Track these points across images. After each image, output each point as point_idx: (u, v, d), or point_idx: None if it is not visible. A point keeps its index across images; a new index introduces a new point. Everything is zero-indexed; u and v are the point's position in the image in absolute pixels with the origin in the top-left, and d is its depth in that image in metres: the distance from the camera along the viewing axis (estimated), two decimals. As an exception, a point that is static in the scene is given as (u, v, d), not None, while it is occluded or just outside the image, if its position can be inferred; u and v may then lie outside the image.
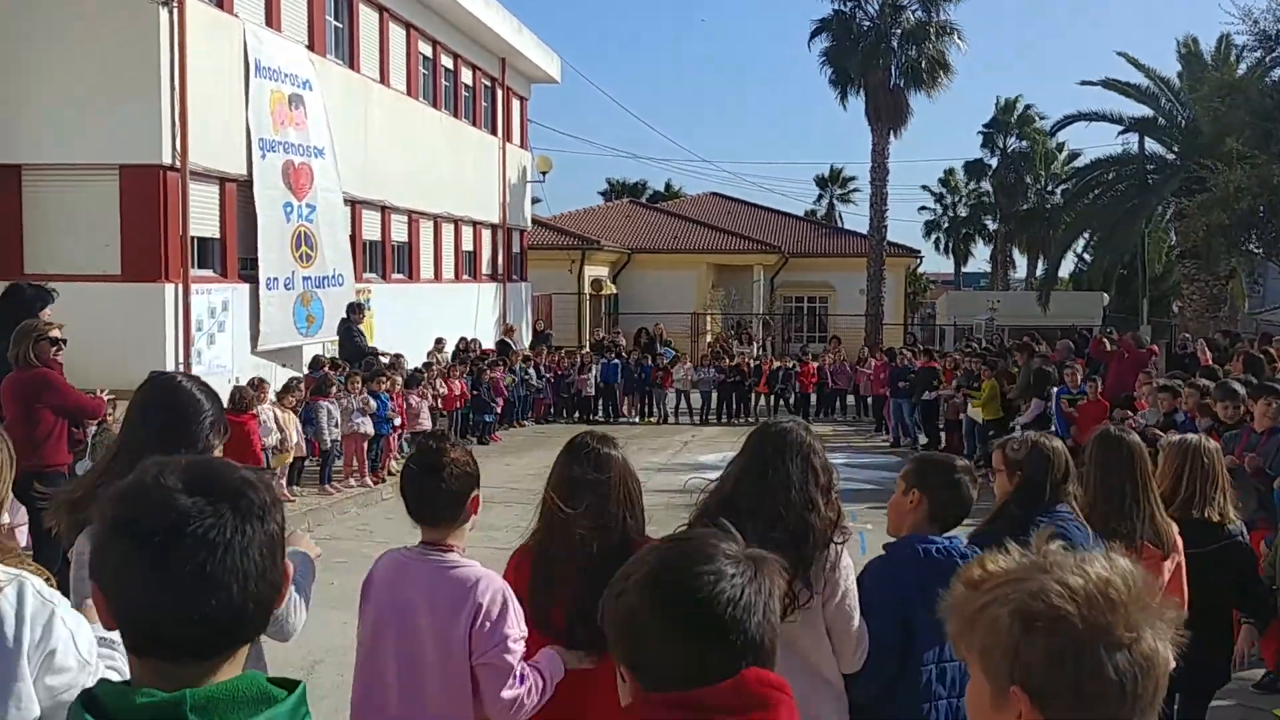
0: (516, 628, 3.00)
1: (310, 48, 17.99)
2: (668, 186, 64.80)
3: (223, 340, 15.36)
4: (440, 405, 16.64)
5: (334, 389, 12.11)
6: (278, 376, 14.44)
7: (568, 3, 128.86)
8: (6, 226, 14.10)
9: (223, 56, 15.36)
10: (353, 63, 19.92)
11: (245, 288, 15.92)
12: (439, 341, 20.30)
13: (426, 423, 14.36)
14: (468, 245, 26.41)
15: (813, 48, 36.29)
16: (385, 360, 14.61)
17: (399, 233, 22.23)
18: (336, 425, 11.93)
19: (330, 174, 17.67)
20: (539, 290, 33.17)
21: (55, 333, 6.86)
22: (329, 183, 17.60)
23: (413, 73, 22.65)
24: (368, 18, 20.52)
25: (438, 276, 24.20)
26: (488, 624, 2.96)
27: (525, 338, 27.60)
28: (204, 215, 15.27)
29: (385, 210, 21.29)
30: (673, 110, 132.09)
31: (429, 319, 21.85)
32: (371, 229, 20.92)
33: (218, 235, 15.62)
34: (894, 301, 39.63)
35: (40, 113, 13.84)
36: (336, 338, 16.04)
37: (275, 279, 16.18)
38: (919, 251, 47.10)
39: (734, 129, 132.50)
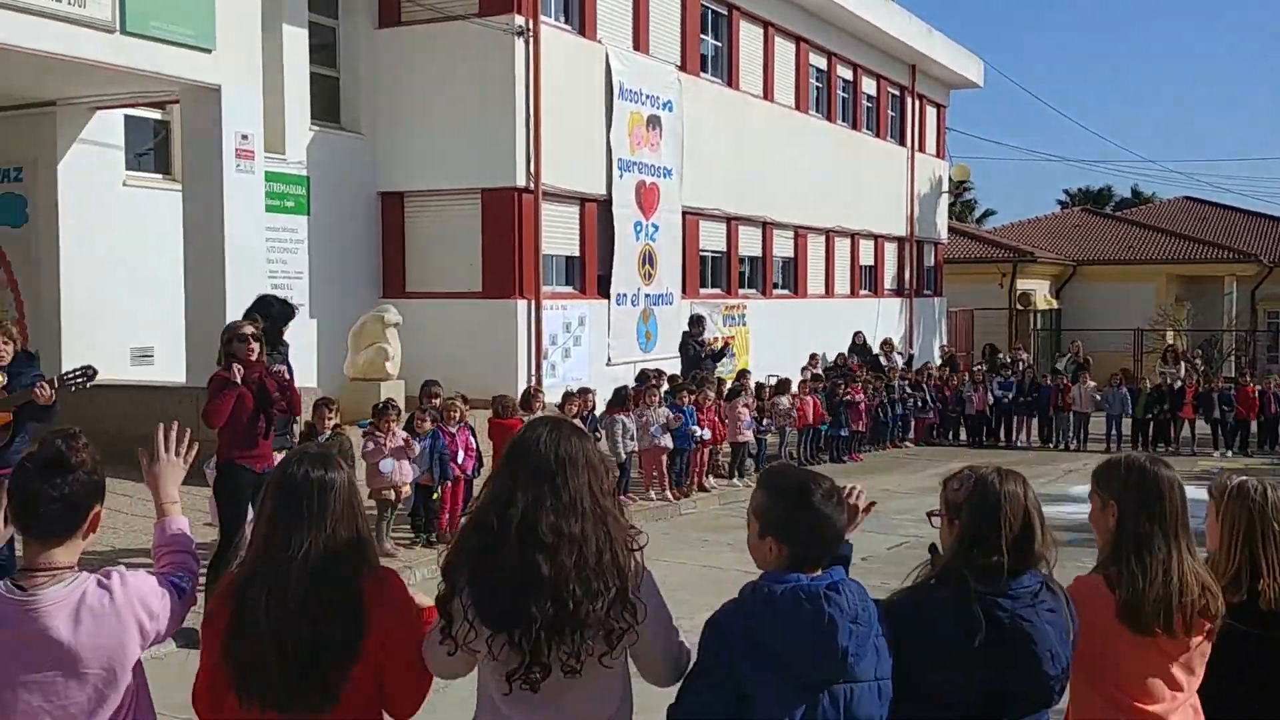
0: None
1: (681, 68, 18.33)
2: (1135, 192, 59.40)
3: (579, 354, 16.00)
4: (792, 422, 16.22)
5: (630, 403, 12.11)
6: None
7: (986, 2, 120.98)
8: (392, 249, 15.61)
9: (584, 81, 16.03)
10: (731, 80, 20.05)
11: (603, 304, 16.49)
12: (813, 357, 19.85)
13: (748, 435, 14.02)
14: (867, 259, 25.70)
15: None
16: (705, 373, 14.45)
17: (783, 248, 22.05)
18: (633, 439, 11.94)
19: (674, 194, 17.90)
20: (961, 305, 31.59)
21: (247, 329, 7.35)
22: (672, 203, 17.83)
23: (802, 86, 22.42)
24: (749, 34, 20.58)
25: (829, 292, 23.74)
26: (156, 625, 2.70)
27: (932, 353, 26.38)
28: (564, 234, 16.00)
29: (767, 226, 21.21)
30: (1143, 111, 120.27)
31: (817, 334, 21.48)
32: (750, 245, 20.92)
33: (578, 253, 16.31)
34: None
35: (417, 143, 15.18)
36: (676, 350, 16.16)
37: (624, 295, 16.63)
38: None
39: (1234, 129, 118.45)
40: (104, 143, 12.29)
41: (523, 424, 8.88)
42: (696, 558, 9.82)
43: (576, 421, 2.84)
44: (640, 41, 17.41)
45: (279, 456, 8.47)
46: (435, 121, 15.04)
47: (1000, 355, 23.62)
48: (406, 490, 9.26)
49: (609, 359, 16.46)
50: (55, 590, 2.61)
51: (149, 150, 13.03)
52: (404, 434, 9.26)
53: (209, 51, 10.75)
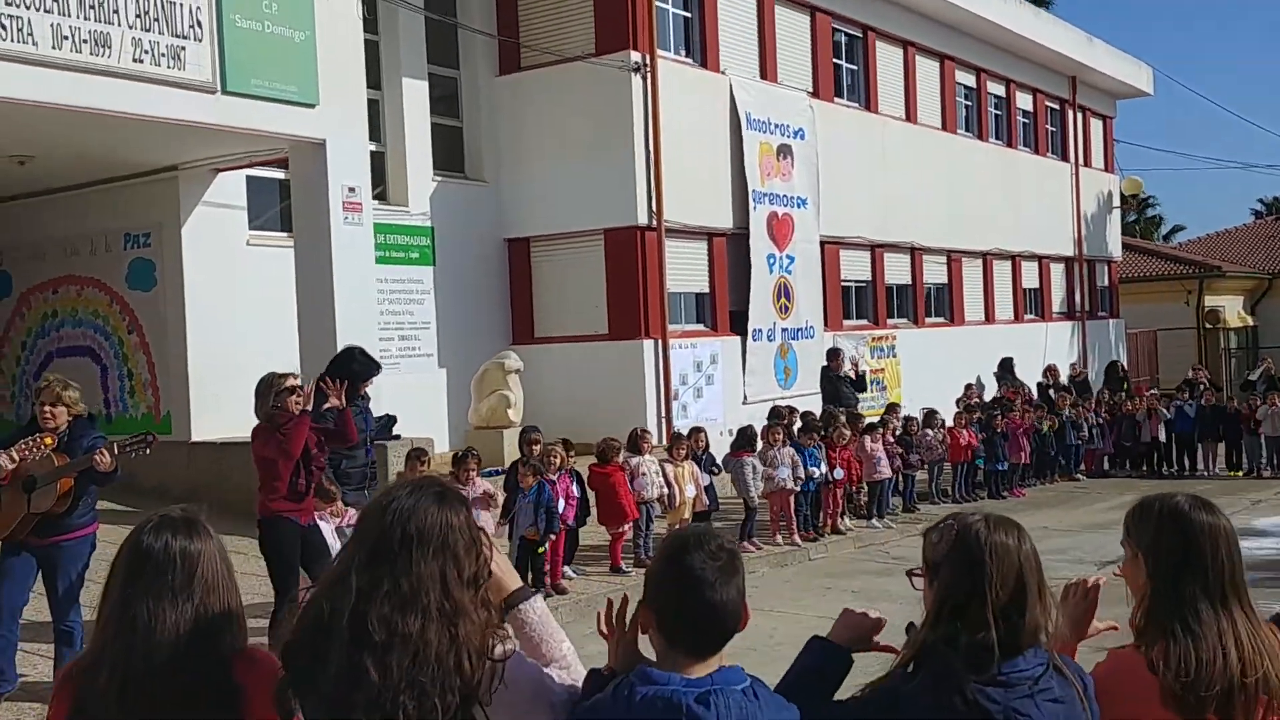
0: None
1: (814, 94, 17.75)
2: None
3: (711, 393, 15.49)
4: (943, 456, 15.26)
5: (758, 443, 11.49)
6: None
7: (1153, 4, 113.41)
8: (519, 295, 15.49)
9: (707, 113, 15.64)
10: (869, 103, 19.33)
11: (735, 340, 15.95)
12: (968, 387, 18.76)
13: (885, 472, 13.15)
14: (1031, 282, 24.34)
15: None
16: (840, 409, 13.67)
17: (934, 274, 21.06)
18: (761, 480, 11.30)
19: (810, 224, 17.21)
20: (1143, 326, 29.66)
21: (291, 382, 7.18)
22: (808, 233, 17.14)
23: (949, 105, 21.48)
24: (887, 55, 19.83)
25: (989, 318, 22.54)
26: None
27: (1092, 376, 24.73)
28: (692, 270, 15.58)
29: (915, 252, 20.29)
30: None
31: (976, 363, 20.38)
32: (898, 272, 20.03)
33: (707, 289, 15.85)
34: None
35: (540, 187, 15.05)
36: (818, 386, 15.44)
37: (760, 330, 16.05)
38: None
39: None
40: (226, 204, 12.54)
41: (621, 469, 8.41)
42: (815, 607, 9.13)
43: (453, 484, 2.29)
44: (767, 70, 16.92)
45: (354, 513, 8.31)
46: (556, 164, 14.90)
47: (1123, 372, 22.05)
48: (495, 542, 8.92)
49: (745, 397, 15.89)
50: None
51: (275, 210, 13.24)
52: (486, 484, 8.95)
53: (312, 106, 10.81)
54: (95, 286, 12.84)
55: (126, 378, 12.70)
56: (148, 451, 6.19)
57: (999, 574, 2.29)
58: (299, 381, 7.28)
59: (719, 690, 2.15)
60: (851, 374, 15.62)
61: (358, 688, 2.07)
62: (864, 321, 19.23)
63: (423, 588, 2.14)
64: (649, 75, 14.54)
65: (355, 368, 8.41)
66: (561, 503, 9.22)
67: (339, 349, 10.53)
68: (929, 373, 19.34)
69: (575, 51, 14.74)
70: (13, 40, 8.61)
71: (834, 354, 15.65)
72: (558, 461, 9.36)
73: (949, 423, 15.63)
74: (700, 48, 15.86)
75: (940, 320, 21.25)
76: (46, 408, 6.19)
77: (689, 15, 15.83)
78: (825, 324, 17.73)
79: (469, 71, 15.45)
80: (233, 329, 12.14)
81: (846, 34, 18.95)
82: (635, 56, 14.47)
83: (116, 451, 5.99)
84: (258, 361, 11.91)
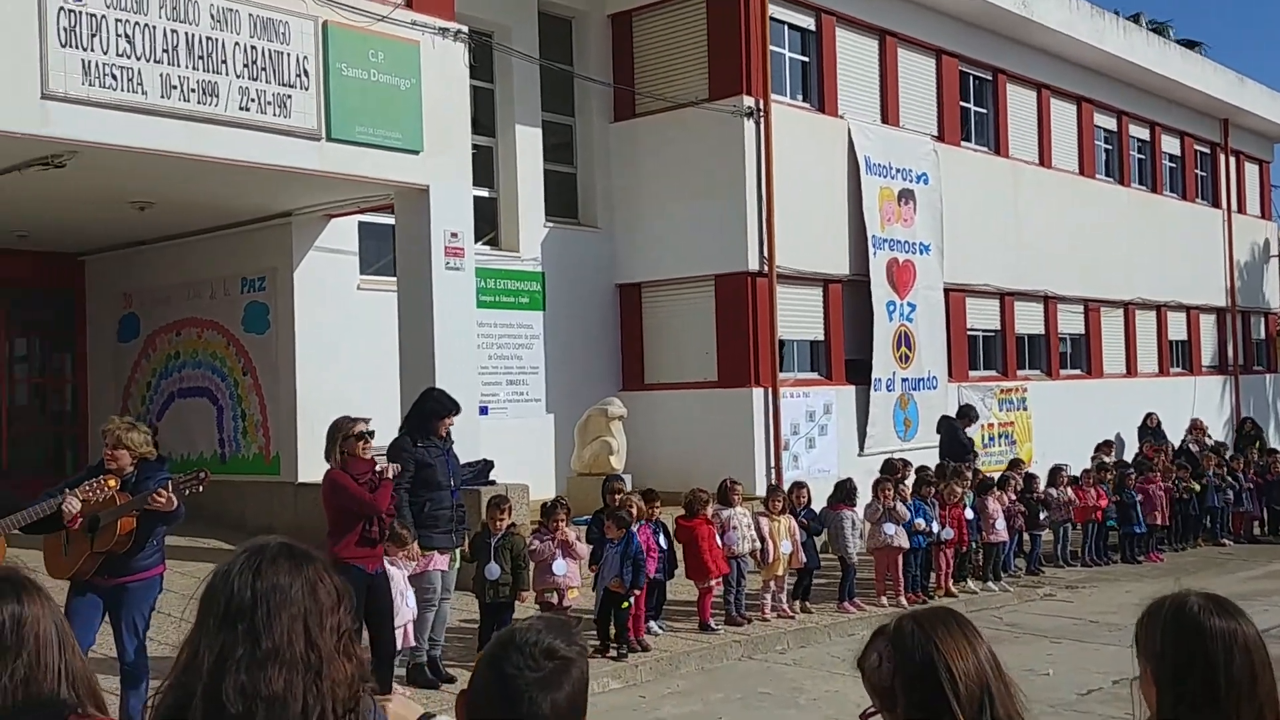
0: None
1: (939, 138, 17.24)
2: None
3: (824, 443, 15.03)
4: (1071, 515, 14.43)
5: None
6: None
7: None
8: (630, 341, 15.36)
9: (823, 158, 15.33)
10: (999, 147, 18.70)
11: (850, 389, 15.47)
12: (1106, 444, 17.81)
13: (1001, 533, 12.43)
14: (1178, 334, 23.10)
15: None
16: (959, 465, 13.03)
17: (1070, 324, 20.14)
18: (861, 536, 10.81)
19: (934, 271, 16.62)
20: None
21: (360, 428, 7.13)
22: (931, 280, 16.55)
23: (1086, 149, 20.64)
24: (1019, 98, 19.17)
25: (1130, 370, 21.43)
26: None
27: (1266, 435, 23.21)
28: (806, 318, 15.21)
29: (1048, 300, 19.46)
30: None
31: (1115, 418, 19.39)
32: (1029, 322, 19.22)
33: (822, 337, 15.44)
34: None
35: (652, 233, 14.94)
36: (937, 439, 14.80)
37: (880, 380, 15.53)
38: None
39: None
40: (338, 249, 12.77)
41: (709, 522, 8.12)
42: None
43: (295, 543, 2.09)
44: (889, 113, 16.52)
45: (440, 558, 8.21)
46: (668, 209, 14.78)
47: (1254, 429, 20.58)
48: (574, 594, 8.70)
49: (863, 448, 15.37)
50: None
51: (389, 255, 13.41)
52: (571, 533, 8.74)
53: (416, 153, 10.92)
54: (214, 329, 13.21)
55: (240, 418, 12.99)
56: (200, 489, 6.21)
57: (960, 689, 1.97)
58: (369, 428, 7.23)
59: None
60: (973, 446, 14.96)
61: None
62: (992, 372, 18.47)
63: (284, 640, 1.96)
64: (762, 120, 14.32)
65: (430, 406, 8.35)
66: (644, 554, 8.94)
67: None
68: (1063, 427, 18.45)
69: (689, 97, 14.63)
70: (123, 90, 8.91)
71: (966, 412, 15.00)
72: (635, 512, 9.10)
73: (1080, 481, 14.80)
74: (818, 92, 15.58)
75: (1076, 372, 20.29)
76: (108, 450, 6.26)
77: (806, 60, 15.59)
78: (949, 374, 17.08)
79: (583, 118, 15.49)
80: (340, 372, 12.30)
81: (975, 76, 18.39)
82: (749, 101, 14.27)
83: (171, 489, 6.01)
84: (363, 405, 12.06)
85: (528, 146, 14.62)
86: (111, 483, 6.07)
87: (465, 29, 11.51)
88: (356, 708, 2.01)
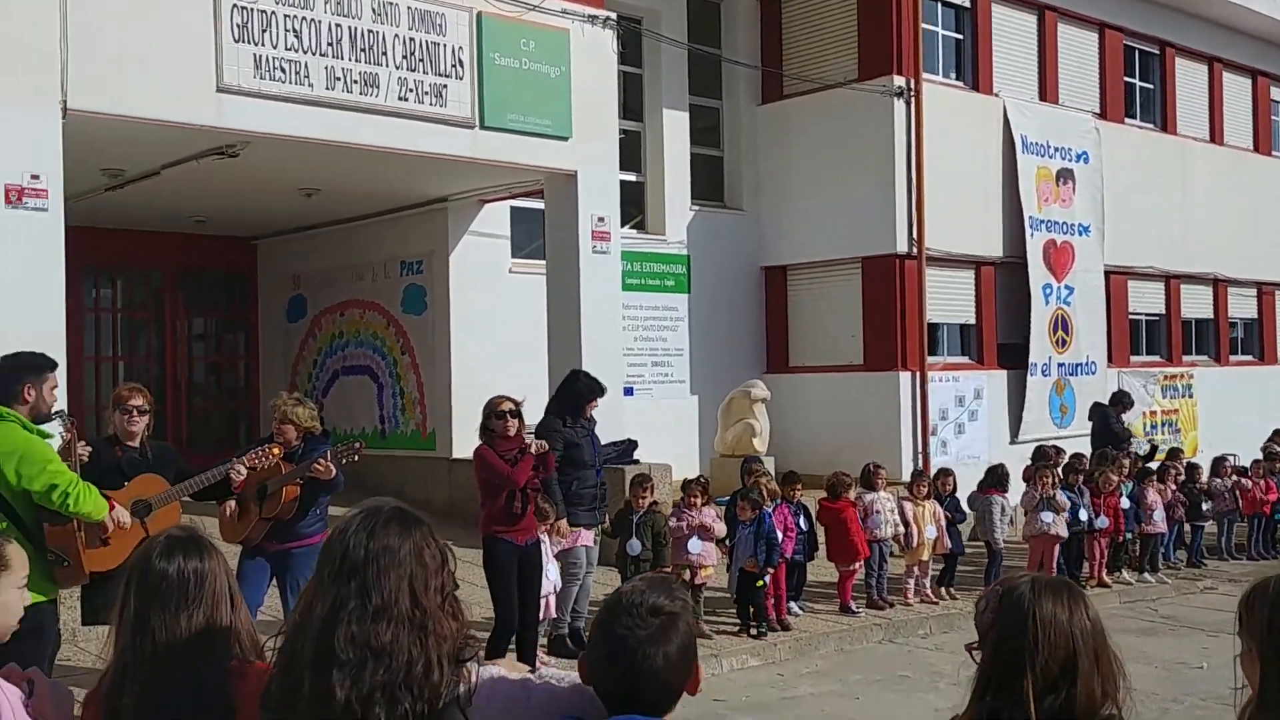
0: None
1: (1100, 115, 16.68)
2: None
3: (975, 429, 14.78)
4: (1239, 506, 13.84)
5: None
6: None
7: None
8: (775, 324, 15.38)
9: (977, 137, 15.02)
10: (1165, 123, 17.96)
11: (1002, 374, 15.15)
12: (1278, 434, 16.96)
13: (1159, 525, 12.00)
14: (1362, 319, 21.76)
15: None
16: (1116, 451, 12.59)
17: (1241, 308, 19.25)
18: (1010, 523, 10.61)
19: (1093, 252, 16.07)
20: None
21: (506, 406, 7.38)
22: (1091, 262, 16.00)
23: (1262, 125, 19.65)
24: (1188, 72, 18.36)
25: (1311, 356, 20.34)
26: None
27: None
28: (957, 301, 14.96)
29: (1218, 283, 18.64)
30: None
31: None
32: (1197, 305, 18.44)
33: (973, 320, 15.16)
34: None
35: (798, 215, 14.91)
36: (1090, 425, 14.35)
37: (1036, 364, 15.16)
38: None
39: None
40: (492, 233, 13.16)
41: (853, 505, 8.18)
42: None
43: (407, 507, 2.30)
44: (1047, 90, 16.05)
45: (586, 534, 8.44)
46: (815, 191, 14.73)
47: None
48: (709, 572, 8.82)
49: (1016, 435, 15.05)
50: None
51: (539, 240, 13.76)
52: (709, 513, 8.86)
53: (565, 139, 11.17)
54: (375, 310, 13.78)
55: (399, 396, 13.53)
56: (356, 458, 6.57)
57: (1047, 643, 2.04)
58: (513, 405, 7.50)
59: None
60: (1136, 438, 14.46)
61: (330, 706, 2.10)
62: (1155, 358, 17.80)
63: (392, 599, 2.15)
64: (913, 99, 14.12)
65: (579, 388, 8.59)
66: (780, 535, 8.99)
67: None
68: (1233, 415, 17.67)
69: (838, 78, 14.53)
70: (291, 82, 9.40)
71: (1121, 399, 14.52)
72: (766, 494, 9.16)
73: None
74: (972, 70, 15.25)
75: (1248, 358, 19.39)
76: (276, 424, 6.68)
77: (960, 37, 15.27)
78: (1109, 360, 16.55)
79: (731, 101, 15.54)
80: (492, 352, 12.67)
81: (1141, 50, 17.70)
82: (899, 81, 14.09)
83: (330, 458, 6.39)
84: (512, 384, 12.43)
85: (675, 130, 14.76)
86: (276, 451, 6.47)
87: (614, 15, 11.70)
88: (460, 662, 2.20)
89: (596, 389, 8.59)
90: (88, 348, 13.77)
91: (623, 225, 12.37)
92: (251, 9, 9.16)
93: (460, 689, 2.18)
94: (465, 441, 12.68)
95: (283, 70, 9.34)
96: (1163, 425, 17.36)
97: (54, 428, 5.66)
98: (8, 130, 8.08)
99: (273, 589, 6.93)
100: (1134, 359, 17.30)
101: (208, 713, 2.43)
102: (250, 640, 2.57)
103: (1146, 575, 11.99)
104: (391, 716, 2.09)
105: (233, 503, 6.55)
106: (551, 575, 7.77)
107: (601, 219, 11.55)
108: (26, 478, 5.23)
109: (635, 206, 14.50)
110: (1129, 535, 11.89)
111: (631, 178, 14.20)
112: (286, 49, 9.35)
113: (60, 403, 5.83)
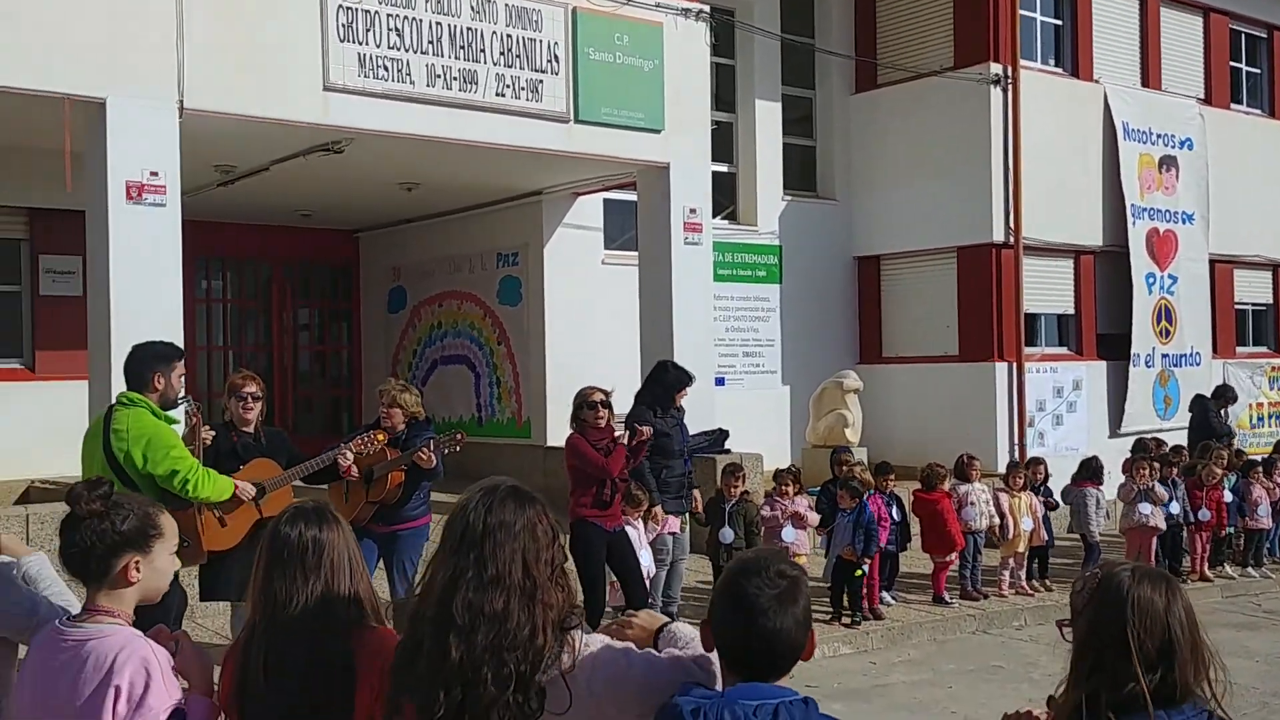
0: (165, 696, 2.60)
1: (1205, 100, 16.28)
2: None
3: (1073, 420, 14.58)
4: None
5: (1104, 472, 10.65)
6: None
7: None
8: (868, 314, 15.33)
9: (1076, 125, 14.77)
10: (1274, 109, 17.45)
11: (1102, 365, 14.91)
12: (1392, 427, 16.42)
13: (1265, 520, 11.71)
14: None
15: None
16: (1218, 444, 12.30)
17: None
18: (1106, 516, 10.46)
19: (1197, 241, 15.70)
20: None
21: (597, 396, 7.54)
22: (1195, 251, 15.63)
23: (1377, 107, 18.92)
24: (1301, 54, 17.80)
25: None
26: (126, 707, 2.60)
27: None
28: (1055, 290, 14.76)
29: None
30: None
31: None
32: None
33: (1072, 310, 14.94)
34: None
35: (892, 205, 14.84)
36: (1189, 417, 14.04)
37: (1138, 355, 14.88)
38: None
39: None
40: (585, 225, 13.35)
41: (949, 496, 8.20)
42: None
43: (521, 486, 2.48)
44: (1149, 76, 15.72)
45: (673, 521, 8.58)
46: (909, 180, 14.64)
47: None
48: (802, 559, 8.89)
49: (1117, 427, 14.80)
50: (85, 629, 2.72)
51: (631, 231, 13.91)
52: (804, 501, 8.93)
53: (658, 132, 11.30)
54: (472, 301, 14.08)
55: (495, 385, 13.82)
56: (458, 449, 6.79)
57: (1144, 627, 2.13)
58: (604, 396, 7.66)
59: (784, 704, 2.18)
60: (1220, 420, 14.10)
61: (444, 664, 2.29)
62: (1263, 349, 17.33)
63: (505, 569, 2.33)
64: (1010, 87, 13.95)
65: (668, 379, 8.72)
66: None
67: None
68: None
69: (933, 66, 14.42)
70: (393, 80, 9.68)
71: (1223, 393, 14.18)
72: (861, 483, 9.20)
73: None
74: (1071, 56, 15.01)
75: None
76: (384, 408, 6.94)
77: (1059, 23, 15.03)
78: (1214, 351, 16.17)
79: (824, 91, 15.51)
80: (586, 343, 12.89)
81: (1247, 34, 17.22)
82: (996, 68, 13.93)
83: (433, 448, 6.62)
84: (605, 375, 12.60)
85: (767, 121, 14.78)
86: (380, 437, 6.73)
87: (707, 8, 11.79)
88: (565, 629, 2.38)
89: (685, 379, 8.72)
90: (199, 338, 14.30)
91: (714, 216, 12.45)
92: (356, 9, 9.45)
93: (565, 658, 2.35)
94: (559, 430, 12.89)
95: (385, 68, 9.62)
96: (1270, 418, 16.91)
97: (179, 414, 5.97)
98: (129, 129, 8.49)
99: (380, 572, 7.19)
100: (1240, 350, 16.88)
101: (328, 671, 2.63)
102: (372, 607, 2.76)
103: (1250, 570, 11.73)
104: (498, 676, 2.28)
105: (343, 482, 6.83)
106: (645, 561, 7.93)
107: (693, 210, 11.66)
108: (152, 461, 5.54)
109: (727, 197, 14.57)
110: (1232, 529, 11.65)
111: (723, 169, 14.28)
112: (389, 48, 9.63)
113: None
